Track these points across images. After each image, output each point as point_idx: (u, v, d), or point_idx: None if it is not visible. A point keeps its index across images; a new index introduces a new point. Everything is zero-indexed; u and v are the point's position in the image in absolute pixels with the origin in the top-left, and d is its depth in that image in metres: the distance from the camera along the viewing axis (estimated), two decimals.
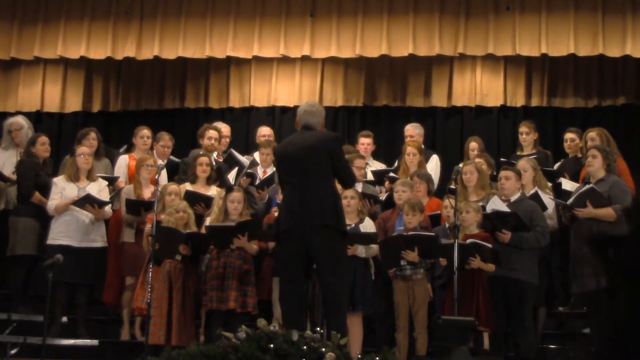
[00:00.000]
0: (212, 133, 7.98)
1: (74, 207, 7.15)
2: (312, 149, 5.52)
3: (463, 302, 6.14)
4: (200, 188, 7.40)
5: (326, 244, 5.39)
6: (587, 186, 6.69)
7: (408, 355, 6.48)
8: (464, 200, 6.70)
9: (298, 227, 5.40)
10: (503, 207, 6.47)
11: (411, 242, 6.45)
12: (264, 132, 8.58)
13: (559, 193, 7.21)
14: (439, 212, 6.97)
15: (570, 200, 6.68)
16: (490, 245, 6.27)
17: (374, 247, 6.64)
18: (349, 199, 6.54)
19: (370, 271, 6.73)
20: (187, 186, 7.38)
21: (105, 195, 7.34)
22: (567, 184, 7.17)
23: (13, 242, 7.46)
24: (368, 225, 6.71)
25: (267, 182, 7.53)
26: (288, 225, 5.44)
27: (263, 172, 7.90)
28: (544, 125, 9.49)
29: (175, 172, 8.07)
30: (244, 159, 8.05)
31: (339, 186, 5.88)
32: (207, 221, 6.90)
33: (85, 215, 7.19)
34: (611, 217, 6.54)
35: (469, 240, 6.25)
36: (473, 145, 8.19)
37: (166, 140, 8.25)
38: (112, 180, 7.68)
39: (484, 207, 6.73)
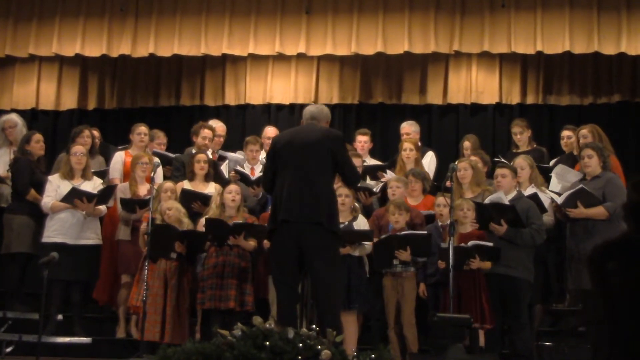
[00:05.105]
0: (206, 132, 7.97)
1: (69, 205, 7.14)
2: (314, 144, 5.50)
3: (466, 300, 6.16)
4: (198, 185, 7.40)
5: (319, 243, 5.38)
6: (577, 187, 6.69)
7: (401, 353, 6.49)
8: (460, 197, 6.71)
9: (292, 221, 5.40)
10: (504, 201, 6.49)
11: (404, 241, 6.46)
12: (270, 133, 8.40)
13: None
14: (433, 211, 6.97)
15: (562, 200, 6.69)
16: (491, 244, 6.28)
17: (368, 246, 6.64)
18: (344, 197, 6.54)
19: (365, 269, 6.73)
20: (185, 184, 7.37)
21: None
22: (556, 185, 7.17)
23: (8, 239, 7.45)
24: (362, 223, 6.71)
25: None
26: (283, 217, 5.43)
27: (251, 169, 7.90)
28: (539, 123, 9.51)
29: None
30: (235, 155, 8.17)
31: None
32: (204, 219, 6.88)
33: (81, 213, 7.18)
34: (603, 215, 6.56)
35: (470, 243, 6.26)
36: (466, 144, 8.20)
37: (161, 137, 8.36)
38: (102, 175, 7.66)
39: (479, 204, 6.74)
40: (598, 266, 1.62)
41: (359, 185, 7.22)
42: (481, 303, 6.25)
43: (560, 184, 7.19)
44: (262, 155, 8.02)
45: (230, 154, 8.28)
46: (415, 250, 6.49)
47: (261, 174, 7.46)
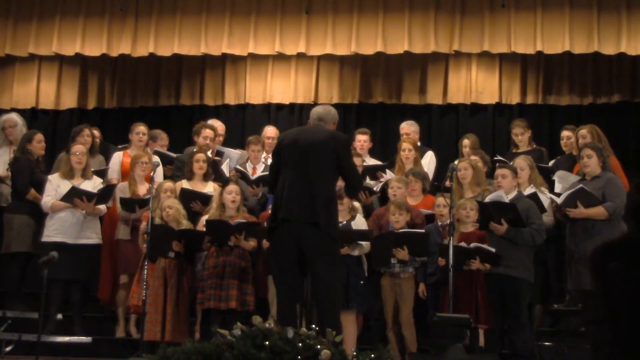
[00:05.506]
0: (208, 132, 7.97)
1: (69, 205, 7.14)
2: (317, 145, 5.50)
3: (462, 299, 6.16)
4: (197, 185, 7.40)
5: (319, 243, 5.38)
6: (577, 187, 6.70)
7: (400, 353, 6.49)
8: (460, 197, 6.71)
9: (292, 220, 5.40)
10: (504, 200, 6.49)
11: (401, 240, 6.46)
12: (270, 133, 8.43)
13: (553, 190, 7.23)
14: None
15: (561, 200, 6.69)
16: (493, 250, 6.27)
17: (366, 245, 6.64)
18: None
19: (363, 268, 6.72)
20: (184, 183, 7.38)
21: None
22: (559, 185, 7.17)
23: (8, 239, 7.45)
24: (360, 223, 6.70)
25: (263, 180, 7.52)
26: (283, 215, 5.44)
27: (253, 168, 7.90)
28: (539, 123, 9.51)
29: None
30: (234, 151, 8.20)
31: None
32: (204, 219, 6.87)
33: (80, 212, 7.18)
34: (602, 215, 6.56)
35: (473, 245, 6.26)
36: (465, 142, 8.22)
37: (164, 139, 8.38)
38: (102, 174, 7.66)
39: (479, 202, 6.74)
40: (599, 267, 1.63)
41: None
42: (477, 302, 6.25)
43: (560, 184, 7.19)
44: (263, 155, 8.04)
45: (227, 149, 8.29)
46: (412, 250, 6.49)
47: (262, 173, 7.51)
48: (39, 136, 7.69)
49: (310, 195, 5.40)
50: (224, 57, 9.99)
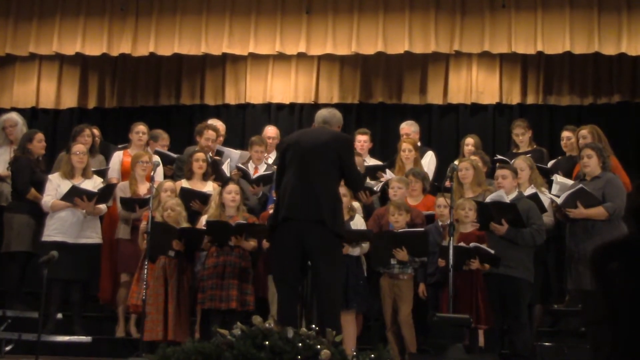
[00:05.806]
0: (210, 134, 7.96)
1: (69, 204, 7.14)
2: (321, 146, 5.51)
3: (462, 300, 6.15)
4: (196, 184, 7.40)
5: (320, 242, 5.37)
6: (577, 187, 6.70)
7: (400, 353, 6.49)
8: (460, 197, 6.71)
9: (293, 219, 5.40)
10: (505, 200, 6.49)
11: (401, 240, 6.46)
12: (270, 133, 8.46)
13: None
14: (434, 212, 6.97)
15: (561, 200, 6.69)
16: (492, 252, 6.27)
17: (366, 245, 6.63)
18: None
19: (363, 268, 6.72)
20: (183, 183, 7.38)
21: None
22: (556, 186, 7.17)
23: (8, 238, 7.45)
24: (359, 223, 6.70)
25: (264, 179, 7.53)
26: (285, 214, 5.43)
27: (255, 168, 7.90)
28: (540, 123, 9.51)
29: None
30: (234, 151, 8.21)
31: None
32: (204, 218, 6.88)
33: (81, 212, 7.18)
34: (602, 215, 6.56)
35: (472, 244, 6.26)
36: (469, 140, 8.22)
37: (165, 139, 8.37)
38: (102, 174, 7.67)
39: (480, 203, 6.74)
40: (599, 267, 1.64)
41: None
42: (477, 303, 6.25)
43: (557, 185, 7.19)
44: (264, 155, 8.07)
45: (227, 149, 8.29)
46: (412, 250, 6.49)
47: (263, 173, 7.53)
48: (40, 136, 7.70)
49: (313, 195, 5.39)
50: (224, 56, 9.99)
